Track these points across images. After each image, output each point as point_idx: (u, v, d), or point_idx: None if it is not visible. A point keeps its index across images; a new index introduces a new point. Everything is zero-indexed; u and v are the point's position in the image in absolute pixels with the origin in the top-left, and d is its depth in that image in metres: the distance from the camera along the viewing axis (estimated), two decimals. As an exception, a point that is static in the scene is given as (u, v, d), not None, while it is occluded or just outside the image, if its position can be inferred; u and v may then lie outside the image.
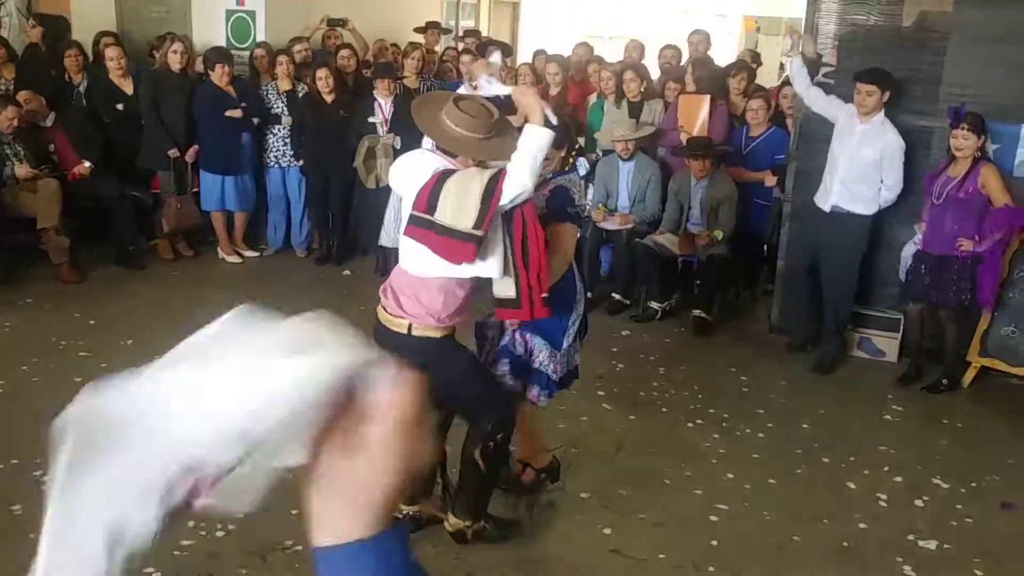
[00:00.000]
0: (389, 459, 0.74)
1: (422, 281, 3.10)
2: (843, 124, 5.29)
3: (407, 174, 3.11)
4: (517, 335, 3.49)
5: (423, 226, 2.96)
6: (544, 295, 3.16)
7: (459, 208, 2.90)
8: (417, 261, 3.07)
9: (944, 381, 5.22)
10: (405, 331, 3.10)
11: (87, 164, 6.67)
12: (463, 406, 3.34)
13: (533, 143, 2.93)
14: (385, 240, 7.01)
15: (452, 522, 3.43)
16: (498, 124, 3.05)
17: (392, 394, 0.74)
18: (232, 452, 0.69)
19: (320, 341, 0.74)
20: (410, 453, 0.75)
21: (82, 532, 0.69)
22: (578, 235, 3.58)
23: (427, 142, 3.23)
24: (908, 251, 5.32)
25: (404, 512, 3.47)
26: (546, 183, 3.37)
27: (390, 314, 3.13)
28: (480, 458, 3.31)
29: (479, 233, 2.90)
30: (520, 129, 3.03)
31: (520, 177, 2.90)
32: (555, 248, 3.36)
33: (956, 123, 4.92)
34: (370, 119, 6.90)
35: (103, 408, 0.70)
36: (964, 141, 4.87)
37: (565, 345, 3.51)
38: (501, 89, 3.32)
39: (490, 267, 3.05)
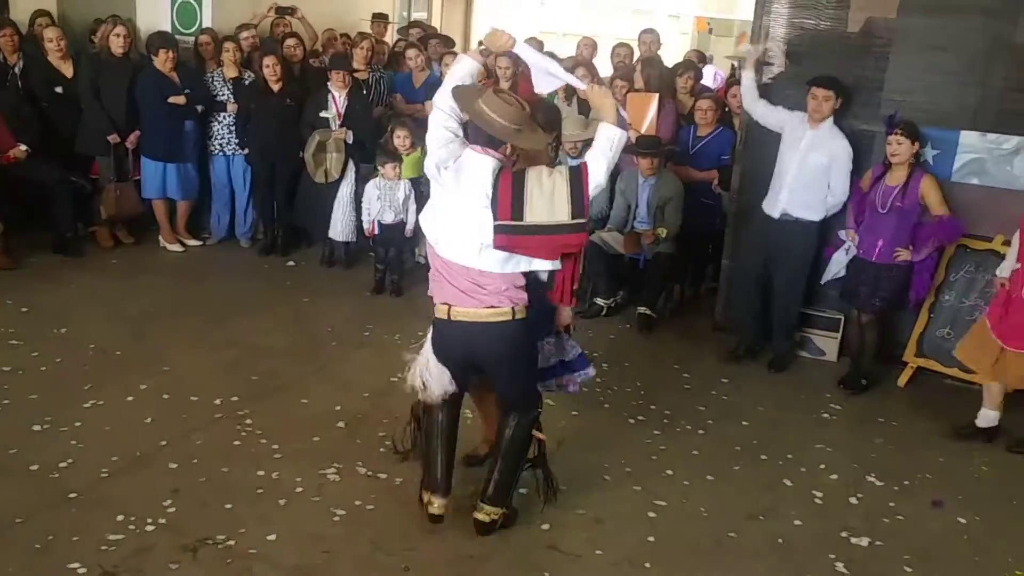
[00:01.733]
0: None
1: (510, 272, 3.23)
2: (792, 131, 5.33)
3: (463, 174, 3.19)
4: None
5: (513, 232, 3.12)
6: (575, 287, 3.41)
7: (551, 206, 3.10)
8: (498, 262, 3.20)
9: (863, 381, 5.30)
10: (510, 317, 3.23)
11: (23, 147, 6.47)
12: (520, 390, 3.46)
13: (609, 142, 3.16)
14: (335, 233, 6.94)
15: (488, 511, 3.48)
16: (527, 119, 3.25)
17: None
18: None
19: None
20: None
21: None
22: None
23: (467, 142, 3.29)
24: (840, 257, 5.38)
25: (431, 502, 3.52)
26: None
27: (488, 307, 3.22)
28: (524, 443, 3.49)
29: (583, 220, 3.14)
30: (544, 126, 3.32)
31: (599, 172, 3.15)
32: None
33: (890, 129, 5.02)
34: (323, 113, 6.80)
35: None
36: (898, 146, 4.96)
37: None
38: (556, 69, 3.45)
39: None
